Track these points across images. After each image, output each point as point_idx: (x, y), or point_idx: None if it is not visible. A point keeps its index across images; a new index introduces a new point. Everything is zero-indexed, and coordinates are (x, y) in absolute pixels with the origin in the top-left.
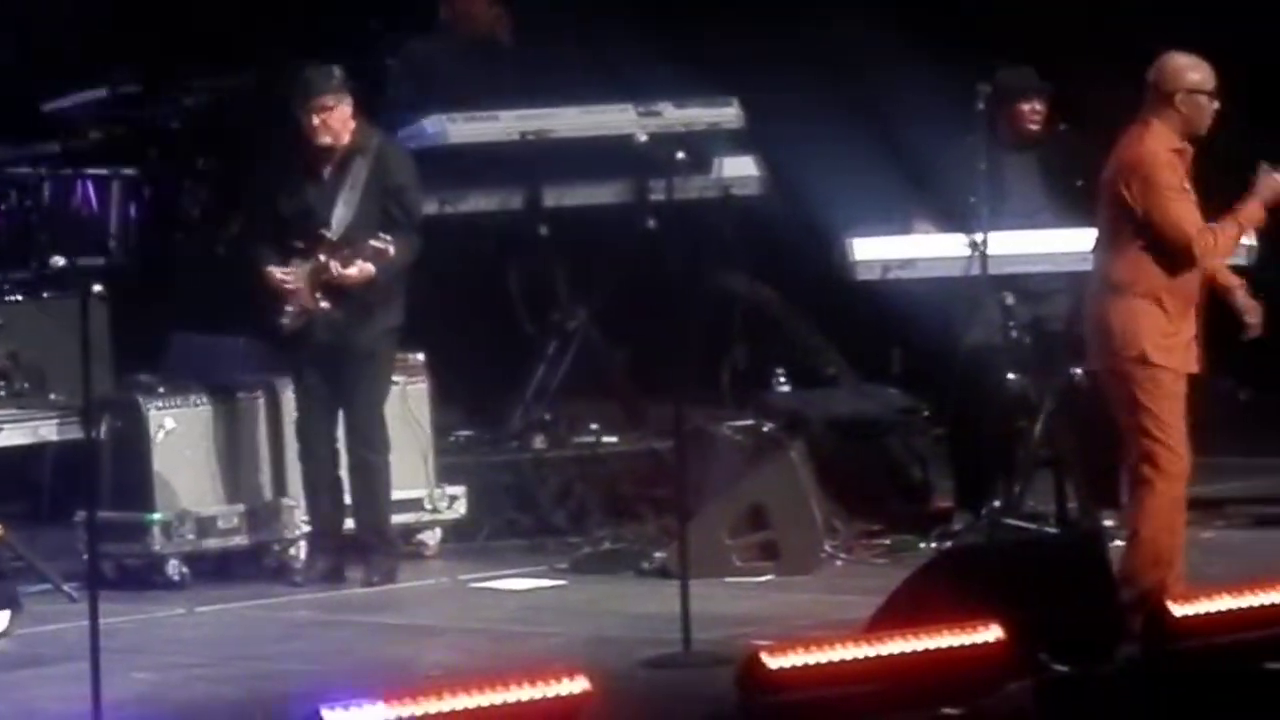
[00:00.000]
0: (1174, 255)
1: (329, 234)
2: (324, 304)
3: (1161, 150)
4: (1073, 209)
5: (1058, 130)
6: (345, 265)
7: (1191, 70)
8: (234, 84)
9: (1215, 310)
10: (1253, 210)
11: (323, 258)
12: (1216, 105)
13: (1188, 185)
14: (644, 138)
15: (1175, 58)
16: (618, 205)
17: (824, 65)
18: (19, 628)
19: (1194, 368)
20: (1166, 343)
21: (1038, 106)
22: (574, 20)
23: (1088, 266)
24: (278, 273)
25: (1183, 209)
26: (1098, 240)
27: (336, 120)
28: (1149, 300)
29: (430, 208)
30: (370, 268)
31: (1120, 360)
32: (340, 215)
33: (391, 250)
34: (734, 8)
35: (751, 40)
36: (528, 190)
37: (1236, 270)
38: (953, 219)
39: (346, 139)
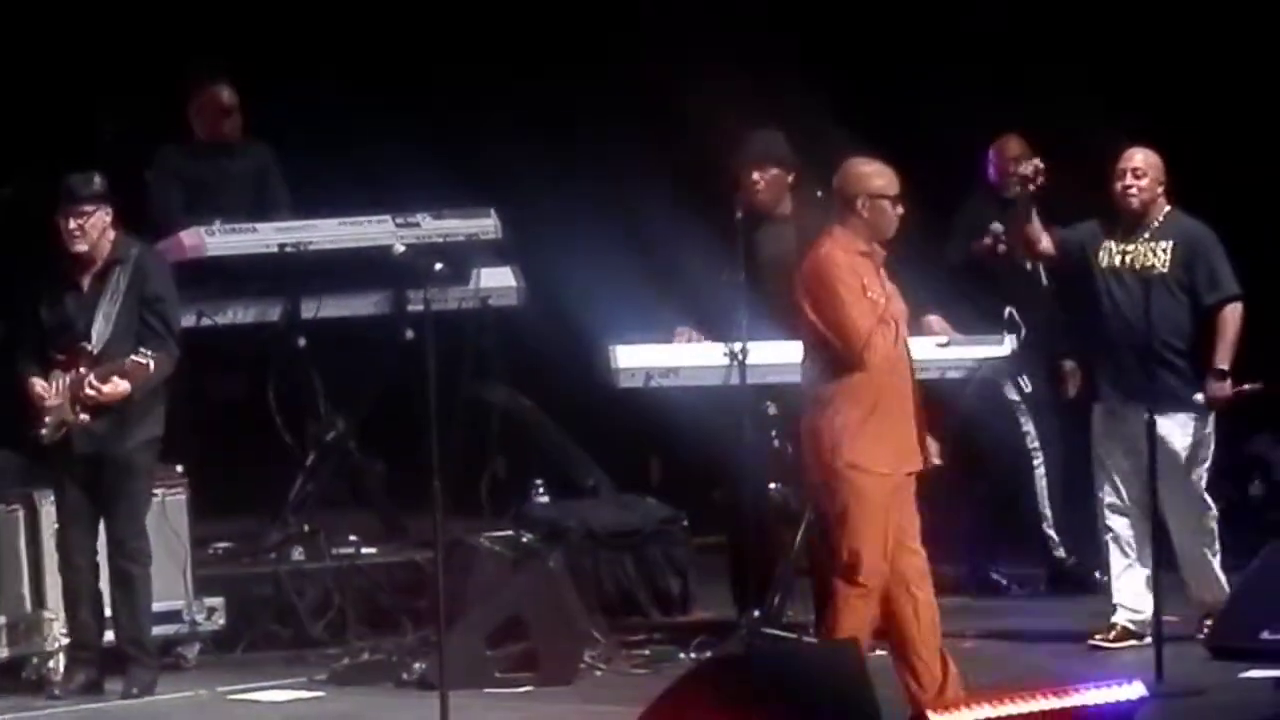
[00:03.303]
0: (849, 357)
1: (89, 346)
2: (83, 417)
3: (840, 253)
4: None
5: (814, 197)
6: (103, 381)
7: (875, 177)
8: None
9: None
10: None
11: (82, 370)
12: (900, 210)
13: (873, 288)
14: (402, 249)
15: (858, 164)
16: (376, 316)
17: (582, 174)
18: None
19: (914, 467)
20: (874, 447)
21: (767, 175)
22: (335, 128)
23: None
24: (37, 385)
25: (856, 311)
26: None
27: (93, 227)
28: (853, 405)
29: (189, 319)
30: (125, 385)
31: (829, 469)
32: (99, 327)
33: (152, 366)
34: (494, 118)
35: (511, 150)
36: (286, 302)
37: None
38: (713, 327)
39: (106, 249)
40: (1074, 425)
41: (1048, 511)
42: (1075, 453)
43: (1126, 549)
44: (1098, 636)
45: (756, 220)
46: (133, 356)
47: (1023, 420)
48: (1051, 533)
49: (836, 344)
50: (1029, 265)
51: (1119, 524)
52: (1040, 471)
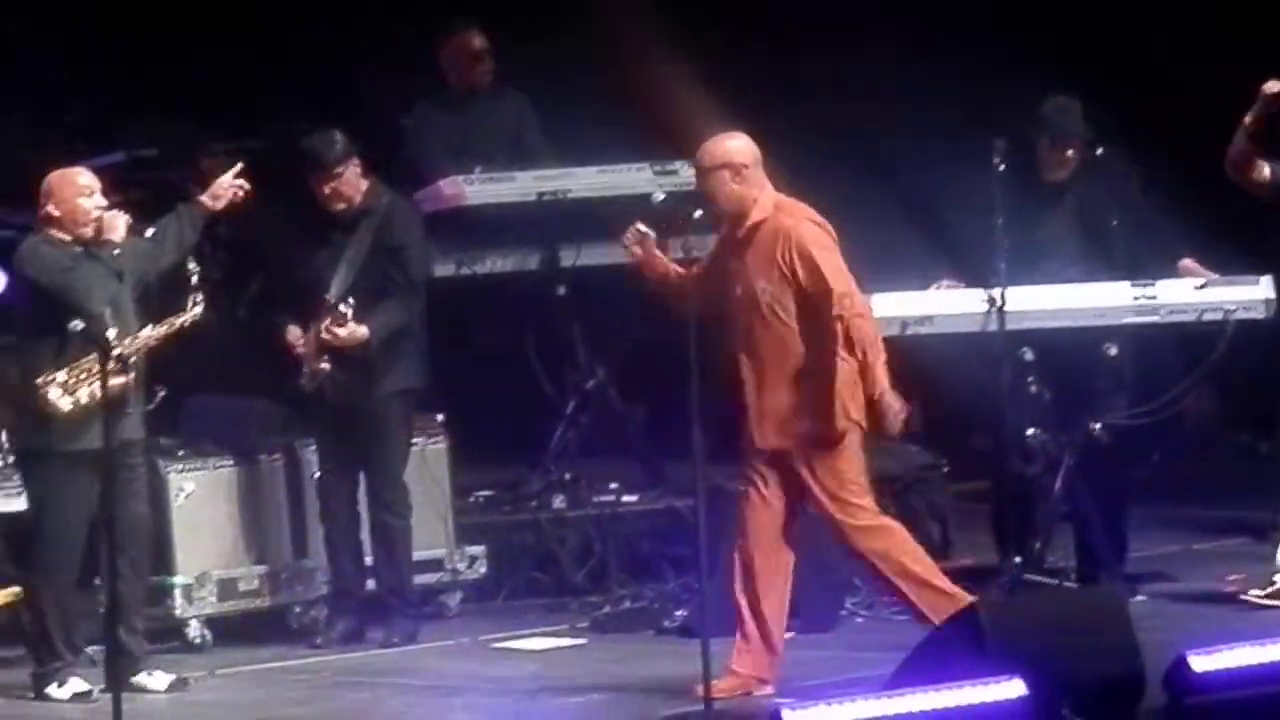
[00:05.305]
0: None
1: (329, 296)
2: (324, 365)
3: None
4: (1107, 254)
5: (1094, 158)
6: (336, 326)
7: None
8: (252, 147)
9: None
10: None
11: (325, 320)
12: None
13: None
14: (661, 196)
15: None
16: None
17: (838, 121)
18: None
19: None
20: None
21: (1068, 154)
22: (590, 75)
23: (1105, 321)
24: (290, 334)
25: None
26: None
27: (348, 185)
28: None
29: (448, 269)
30: (361, 330)
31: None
32: (341, 277)
33: (349, 314)
34: (746, 67)
35: (764, 97)
36: (545, 250)
37: (1250, 324)
38: (972, 274)
39: (359, 200)
40: None
41: None
42: None
43: None
44: (1254, 591)
45: (1036, 193)
46: (340, 307)
47: None
48: None
49: None
50: None
51: None
52: None
